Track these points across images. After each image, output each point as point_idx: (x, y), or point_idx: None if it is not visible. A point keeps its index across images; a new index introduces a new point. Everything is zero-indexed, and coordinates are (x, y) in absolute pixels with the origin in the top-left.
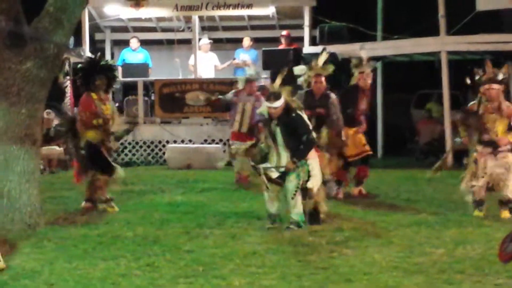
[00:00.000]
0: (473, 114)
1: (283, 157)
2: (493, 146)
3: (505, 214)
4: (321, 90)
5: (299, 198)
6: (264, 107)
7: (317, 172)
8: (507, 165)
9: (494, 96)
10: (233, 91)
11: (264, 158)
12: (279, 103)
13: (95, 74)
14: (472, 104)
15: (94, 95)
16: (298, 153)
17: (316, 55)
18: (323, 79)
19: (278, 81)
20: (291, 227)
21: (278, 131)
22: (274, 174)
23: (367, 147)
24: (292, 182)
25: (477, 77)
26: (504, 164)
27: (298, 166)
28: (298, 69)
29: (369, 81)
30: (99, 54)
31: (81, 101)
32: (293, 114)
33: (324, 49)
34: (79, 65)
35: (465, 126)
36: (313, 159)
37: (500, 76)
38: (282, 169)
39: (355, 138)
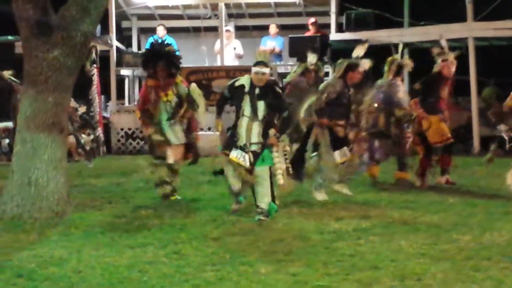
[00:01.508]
0: None
1: (254, 132)
2: None
3: None
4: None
5: (269, 185)
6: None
7: (281, 161)
8: None
9: None
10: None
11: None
12: (267, 70)
13: (155, 60)
14: None
15: (151, 82)
16: (281, 128)
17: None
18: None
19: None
20: (262, 218)
21: (260, 103)
22: (246, 161)
23: (450, 136)
24: (263, 170)
25: None
26: None
27: (279, 141)
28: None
29: (453, 69)
30: (161, 39)
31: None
32: (277, 88)
33: (366, 41)
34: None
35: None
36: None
37: None
38: (255, 147)
39: (438, 126)
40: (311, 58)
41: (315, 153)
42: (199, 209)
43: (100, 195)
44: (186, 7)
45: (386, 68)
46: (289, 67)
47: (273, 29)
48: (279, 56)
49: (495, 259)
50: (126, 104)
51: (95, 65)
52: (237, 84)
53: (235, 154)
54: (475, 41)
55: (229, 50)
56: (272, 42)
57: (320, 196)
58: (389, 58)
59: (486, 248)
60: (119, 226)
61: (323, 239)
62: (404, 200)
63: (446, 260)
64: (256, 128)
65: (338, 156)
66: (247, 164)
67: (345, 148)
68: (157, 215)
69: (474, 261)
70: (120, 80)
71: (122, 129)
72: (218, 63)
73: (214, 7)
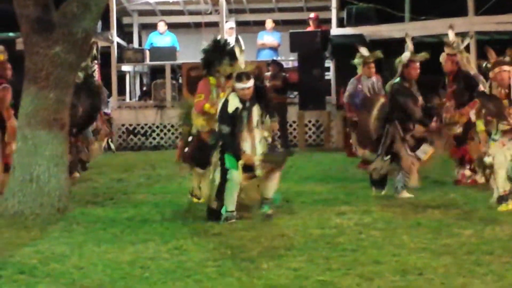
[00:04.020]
0: (493, 98)
1: (257, 140)
2: None
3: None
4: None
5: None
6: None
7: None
8: None
9: (505, 79)
10: (352, 80)
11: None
12: (251, 82)
13: (218, 58)
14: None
15: (212, 80)
16: (268, 111)
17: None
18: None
19: None
20: (270, 214)
21: (254, 111)
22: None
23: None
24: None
25: (484, 65)
26: None
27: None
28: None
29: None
30: (224, 38)
31: (199, 84)
32: (259, 85)
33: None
34: (204, 48)
35: (486, 110)
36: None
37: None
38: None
39: None
40: (364, 51)
41: (388, 156)
42: (200, 204)
43: (102, 191)
44: (186, 2)
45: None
46: (290, 62)
47: (269, 23)
48: (275, 50)
49: (497, 253)
50: (127, 100)
51: (96, 61)
52: (230, 109)
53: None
54: (477, 35)
55: None
56: (268, 37)
57: (405, 194)
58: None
59: (487, 243)
60: (121, 222)
61: (325, 234)
62: None
63: (447, 254)
64: (258, 136)
65: (421, 154)
66: (260, 173)
67: (425, 144)
68: (159, 211)
69: (475, 255)
70: (121, 76)
71: (123, 125)
72: None
73: (215, 2)
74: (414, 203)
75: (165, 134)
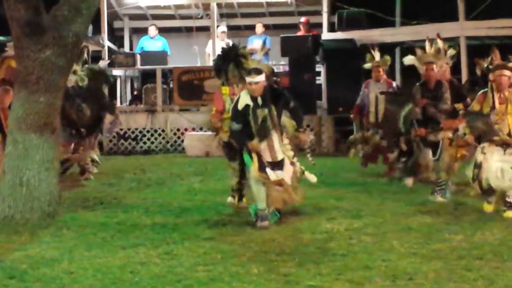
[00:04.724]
0: (480, 116)
1: (276, 142)
2: (505, 146)
3: (509, 214)
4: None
5: None
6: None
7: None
8: None
9: (504, 84)
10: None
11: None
12: (261, 78)
13: (227, 65)
14: (480, 95)
15: (224, 89)
16: (299, 120)
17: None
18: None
19: None
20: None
21: (268, 112)
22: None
23: None
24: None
25: (485, 65)
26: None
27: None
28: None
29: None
30: (231, 42)
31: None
32: (276, 86)
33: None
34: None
35: (473, 129)
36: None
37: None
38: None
39: None
40: (376, 55)
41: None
42: (191, 209)
43: (92, 195)
44: (178, 7)
45: None
46: (281, 67)
47: (259, 28)
48: (266, 54)
49: (487, 258)
50: (118, 104)
51: (86, 66)
52: (240, 106)
53: (272, 175)
54: (467, 40)
55: None
56: (258, 41)
57: (447, 195)
58: None
59: (478, 248)
60: (111, 226)
61: (315, 239)
62: (396, 199)
63: (438, 259)
64: (276, 139)
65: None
66: (283, 177)
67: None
68: (149, 215)
69: (466, 260)
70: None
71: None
72: (211, 63)
73: (206, 7)
74: (405, 207)
75: (155, 138)
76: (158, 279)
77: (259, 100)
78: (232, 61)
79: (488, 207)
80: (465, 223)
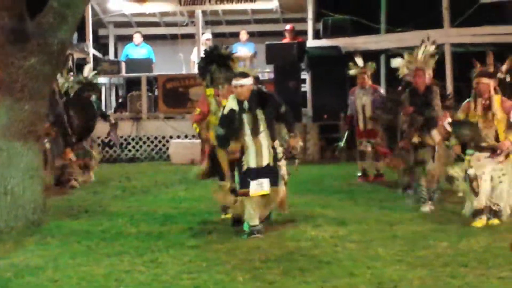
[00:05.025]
0: (466, 123)
1: (264, 147)
2: (492, 151)
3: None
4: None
5: None
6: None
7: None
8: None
9: (483, 91)
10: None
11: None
12: (247, 81)
13: (210, 65)
14: (464, 104)
15: (209, 91)
16: (291, 125)
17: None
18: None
19: None
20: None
21: (256, 115)
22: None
23: None
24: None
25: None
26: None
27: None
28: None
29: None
30: (217, 44)
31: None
32: (263, 90)
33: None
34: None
35: (459, 137)
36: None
37: (491, 70)
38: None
39: None
40: (359, 61)
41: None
42: (176, 217)
43: (77, 203)
44: (163, 14)
45: None
46: (266, 74)
47: (244, 35)
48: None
49: (472, 265)
50: None
51: (71, 73)
52: (226, 111)
53: (254, 188)
54: (452, 47)
55: None
56: (243, 48)
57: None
58: None
59: (463, 255)
60: (96, 234)
61: (300, 247)
62: (381, 206)
63: (423, 266)
64: (265, 143)
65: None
66: (267, 189)
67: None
68: (134, 223)
69: (451, 267)
70: None
71: (98, 137)
72: (196, 71)
73: (191, 14)
74: (390, 215)
75: (140, 146)
76: (143, 287)
77: (245, 104)
78: (215, 62)
79: (478, 223)
80: (450, 231)
